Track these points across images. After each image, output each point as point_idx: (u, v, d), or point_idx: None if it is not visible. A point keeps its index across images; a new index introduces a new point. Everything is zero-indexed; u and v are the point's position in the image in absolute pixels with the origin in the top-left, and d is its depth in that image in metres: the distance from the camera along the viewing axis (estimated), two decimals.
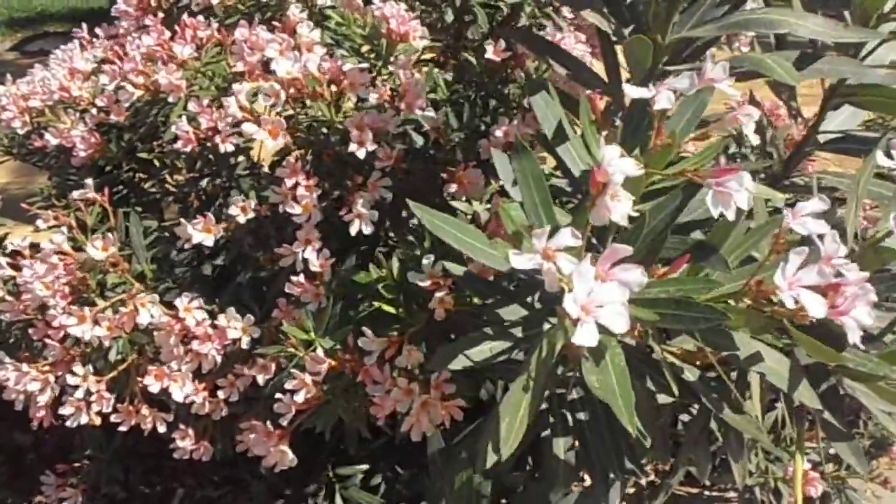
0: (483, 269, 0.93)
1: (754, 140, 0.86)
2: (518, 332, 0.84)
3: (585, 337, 0.64)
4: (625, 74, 1.12)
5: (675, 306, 0.71)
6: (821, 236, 0.72)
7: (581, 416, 0.98)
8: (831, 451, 1.61)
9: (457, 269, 0.93)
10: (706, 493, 1.76)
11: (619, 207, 0.74)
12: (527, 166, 0.83)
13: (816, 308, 0.69)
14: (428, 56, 1.37)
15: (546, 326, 0.82)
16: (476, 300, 0.96)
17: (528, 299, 0.86)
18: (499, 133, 1.17)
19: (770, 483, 1.56)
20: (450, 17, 1.41)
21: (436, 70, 1.29)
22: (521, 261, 0.70)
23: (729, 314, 0.70)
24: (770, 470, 1.56)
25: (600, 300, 0.66)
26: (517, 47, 1.24)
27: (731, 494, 1.76)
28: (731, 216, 0.76)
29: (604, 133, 0.86)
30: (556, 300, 0.75)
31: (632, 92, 0.82)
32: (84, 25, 1.49)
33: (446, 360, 0.83)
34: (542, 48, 1.14)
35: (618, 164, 0.74)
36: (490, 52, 1.23)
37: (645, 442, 0.75)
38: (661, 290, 0.74)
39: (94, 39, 1.46)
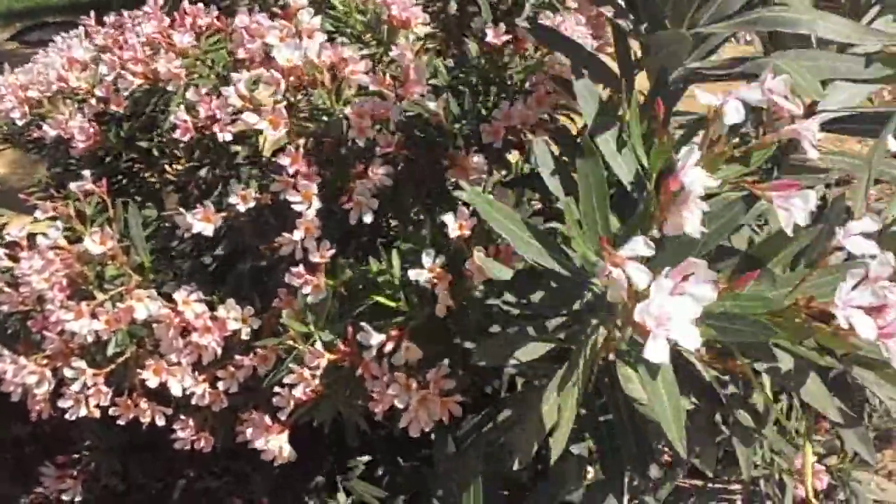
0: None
1: (813, 155, 0.80)
2: (560, 333, 0.82)
3: (657, 351, 0.62)
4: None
5: (724, 319, 0.69)
6: (872, 257, 0.71)
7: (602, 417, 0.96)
8: (836, 443, 1.60)
9: (496, 269, 0.88)
10: (710, 485, 1.75)
11: (694, 219, 0.71)
12: (590, 168, 0.80)
13: (867, 330, 0.67)
14: (431, 45, 1.35)
15: (589, 330, 0.80)
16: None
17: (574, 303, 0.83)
18: (499, 117, 1.16)
19: (775, 475, 1.55)
20: (453, 8, 1.39)
21: (438, 58, 1.27)
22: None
23: (776, 329, 0.68)
24: (775, 462, 1.55)
25: (671, 314, 0.63)
26: (517, 32, 1.22)
27: (736, 487, 1.75)
28: (789, 232, 0.74)
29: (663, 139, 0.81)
30: (598, 303, 0.76)
31: (702, 97, 0.78)
32: (92, 14, 1.47)
33: (489, 356, 0.82)
34: (551, 39, 1.11)
35: (695, 172, 0.71)
36: (490, 37, 1.21)
37: (684, 454, 0.73)
38: (718, 304, 0.71)
39: (100, 28, 1.44)
